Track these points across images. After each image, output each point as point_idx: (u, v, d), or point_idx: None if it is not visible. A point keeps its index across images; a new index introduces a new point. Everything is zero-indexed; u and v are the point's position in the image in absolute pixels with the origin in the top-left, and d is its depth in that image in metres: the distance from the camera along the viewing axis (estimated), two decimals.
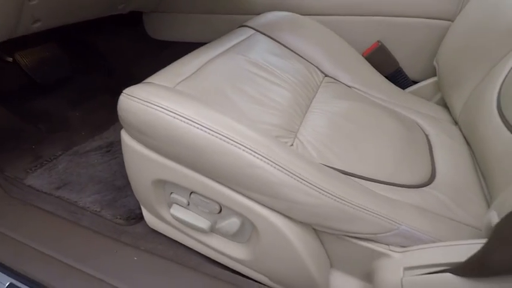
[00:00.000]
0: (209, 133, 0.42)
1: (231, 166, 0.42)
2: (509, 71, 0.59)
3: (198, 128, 0.42)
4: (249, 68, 0.66)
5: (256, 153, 0.42)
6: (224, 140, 0.42)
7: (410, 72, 0.92)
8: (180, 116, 0.43)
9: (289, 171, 0.42)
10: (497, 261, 0.33)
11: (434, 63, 0.83)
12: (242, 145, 0.42)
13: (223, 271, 0.57)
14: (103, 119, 0.97)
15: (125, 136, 0.52)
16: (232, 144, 0.42)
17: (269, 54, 0.75)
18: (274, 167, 0.42)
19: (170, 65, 0.60)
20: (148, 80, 0.55)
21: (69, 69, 1.11)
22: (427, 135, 0.69)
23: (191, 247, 0.60)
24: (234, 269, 0.57)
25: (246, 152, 0.42)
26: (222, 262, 0.58)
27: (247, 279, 0.56)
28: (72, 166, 0.81)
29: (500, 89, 0.59)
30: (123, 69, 1.18)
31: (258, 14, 0.92)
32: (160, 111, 0.44)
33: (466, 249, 0.38)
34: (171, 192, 0.53)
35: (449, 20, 0.82)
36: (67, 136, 0.92)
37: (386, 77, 0.88)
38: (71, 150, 0.87)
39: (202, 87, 0.55)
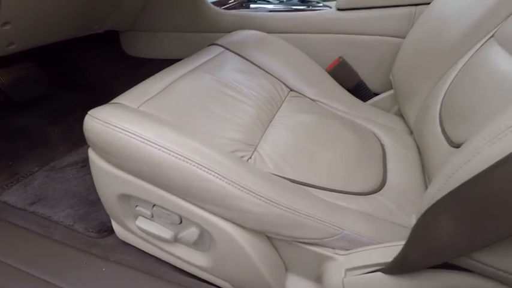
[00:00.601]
0: (162, 151, 0.46)
1: (184, 180, 0.46)
2: (449, 86, 0.65)
3: (152, 146, 0.46)
4: (215, 86, 0.71)
5: (205, 167, 0.46)
6: (176, 157, 0.46)
7: (371, 85, 0.98)
8: (136, 135, 0.47)
9: (237, 184, 0.46)
10: (413, 259, 0.37)
11: (391, 77, 0.89)
12: (192, 161, 0.46)
13: (189, 279, 0.60)
14: (80, 135, 0.99)
15: (91, 154, 0.56)
16: (183, 161, 0.46)
17: (236, 72, 0.79)
18: (223, 180, 0.46)
19: (138, 85, 0.64)
20: (116, 100, 0.59)
21: (47, 87, 1.14)
22: (382, 145, 0.74)
23: (159, 257, 0.63)
24: (199, 276, 0.60)
25: (196, 167, 0.46)
26: (187, 270, 0.61)
27: (212, 286, 0.59)
28: (48, 181, 0.83)
29: (441, 102, 0.65)
30: (102, 86, 1.21)
31: (229, 32, 0.98)
32: (118, 131, 0.48)
33: (398, 249, 0.42)
34: (136, 205, 0.57)
35: (402, 38, 0.88)
36: (45, 152, 0.95)
37: (349, 90, 0.94)
38: (47, 165, 0.89)
39: (165, 107, 0.59)
